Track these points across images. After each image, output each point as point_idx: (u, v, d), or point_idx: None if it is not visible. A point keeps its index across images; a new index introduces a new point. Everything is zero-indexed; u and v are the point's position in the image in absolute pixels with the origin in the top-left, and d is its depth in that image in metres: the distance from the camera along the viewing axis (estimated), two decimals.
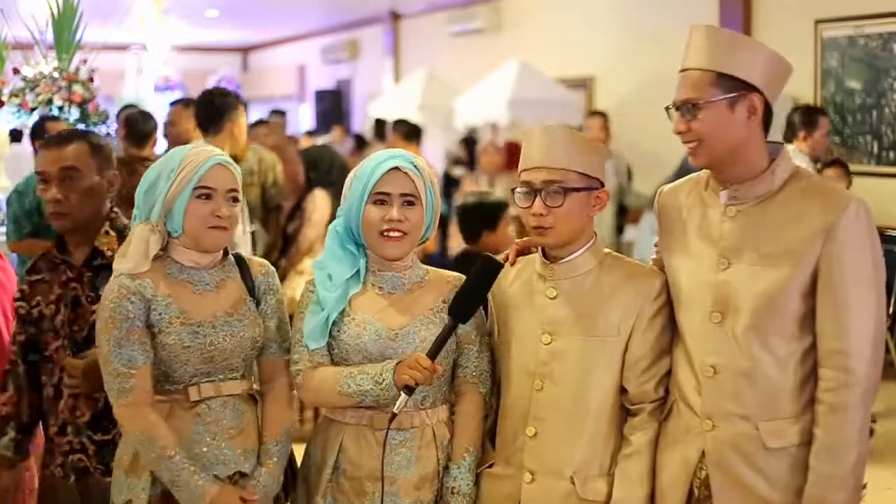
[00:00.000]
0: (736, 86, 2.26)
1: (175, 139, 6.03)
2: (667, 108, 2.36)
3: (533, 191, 2.40)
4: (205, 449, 2.44)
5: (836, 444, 2.19)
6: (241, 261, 2.60)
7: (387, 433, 2.37)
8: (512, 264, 2.56)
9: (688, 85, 2.30)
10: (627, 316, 2.39)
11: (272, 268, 2.65)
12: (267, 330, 2.57)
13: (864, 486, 2.30)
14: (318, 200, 6.09)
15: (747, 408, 2.27)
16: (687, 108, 2.30)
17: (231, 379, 2.50)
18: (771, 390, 2.26)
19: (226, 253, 2.59)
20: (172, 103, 6.39)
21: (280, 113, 8.26)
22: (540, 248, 2.51)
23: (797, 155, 5.96)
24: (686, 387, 2.35)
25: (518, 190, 2.44)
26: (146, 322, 2.43)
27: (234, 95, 5.24)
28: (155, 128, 5.99)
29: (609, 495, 2.38)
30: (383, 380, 2.34)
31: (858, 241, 2.21)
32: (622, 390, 2.41)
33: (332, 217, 6.24)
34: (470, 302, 2.42)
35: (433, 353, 2.35)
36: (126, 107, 6.58)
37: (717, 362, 2.29)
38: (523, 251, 2.59)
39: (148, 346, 2.42)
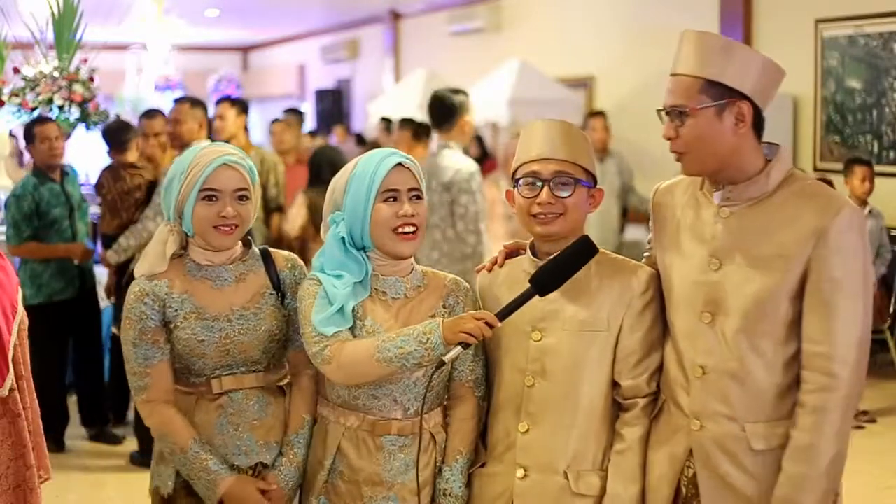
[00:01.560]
0: (724, 93, 2.26)
1: (178, 138, 6.03)
2: (658, 112, 2.35)
3: (540, 181, 2.40)
4: (227, 440, 2.51)
5: (810, 445, 2.19)
6: (266, 254, 2.62)
7: (430, 378, 2.34)
8: (500, 266, 2.56)
9: (677, 90, 2.30)
10: (616, 311, 2.40)
11: (300, 261, 2.66)
12: (294, 323, 2.57)
13: (838, 494, 2.27)
14: (295, 200, 6.46)
15: (734, 409, 2.27)
16: (675, 113, 2.30)
17: (254, 371, 2.54)
18: (758, 392, 2.26)
19: (248, 245, 2.62)
20: (177, 100, 6.39)
21: (296, 112, 8.00)
22: (529, 248, 2.51)
23: None
24: (675, 386, 2.35)
25: (522, 180, 2.43)
26: (162, 320, 2.50)
27: (465, 94, 5.63)
28: (133, 135, 5.98)
29: (602, 490, 2.38)
30: (427, 339, 2.26)
31: (850, 246, 2.20)
32: (614, 385, 2.42)
33: (315, 213, 6.40)
34: (556, 276, 2.35)
35: (503, 316, 2.30)
36: (148, 112, 6.55)
37: (707, 362, 2.29)
38: (512, 253, 2.59)
39: (162, 343, 2.50)
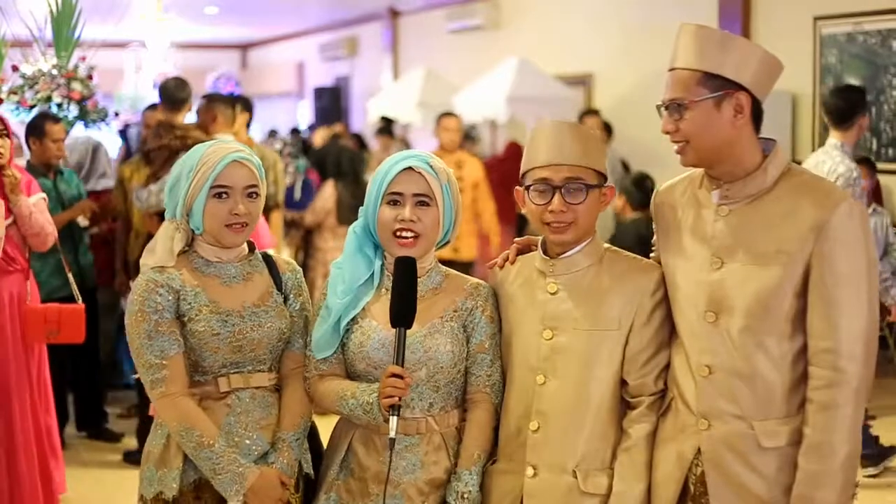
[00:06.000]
0: (723, 85, 2.26)
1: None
2: (658, 107, 2.36)
3: (552, 188, 2.39)
4: (237, 439, 2.49)
5: (824, 442, 2.18)
6: (268, 258, 2.65)
7: (390, 457, 2.35)
8: (512, 263, 2.57)
9: (675, 84, 2.30)
10: (627, 310, 2.40)
11: (299, 267, 2.70)
12: (294, 325, 2.60)
13: (857, 485, 2.29)
14: (324, 190, 6.82)
15: (742, 407, 2.26)
16: (674, 107, 2.30)
17: (259, 371, 2.54)
18: (766, 390, 2.25)
19: (252, 248, 2.64)
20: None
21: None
22: (540, 245, 2.51)
23: None
24: (683, 385, 2.35)
25: (532, 187, 2.43)
26: (176, 312, 2.48)
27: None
28: (189, 95, 5.96)
29: (610, 489, 2.38)
30: (370, 409, 2.36)
31: (851, 238, 2.20)
32: (622, 383, 2.42)
33: (339, 204, 6.64)
34: (404, 306, 2.34)
35: (398, 361, 2.32)
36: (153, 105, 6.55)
37: (713, 362, 2.29)
38: (523, 250, 2.59)
39: (178, 335, 2.47)
